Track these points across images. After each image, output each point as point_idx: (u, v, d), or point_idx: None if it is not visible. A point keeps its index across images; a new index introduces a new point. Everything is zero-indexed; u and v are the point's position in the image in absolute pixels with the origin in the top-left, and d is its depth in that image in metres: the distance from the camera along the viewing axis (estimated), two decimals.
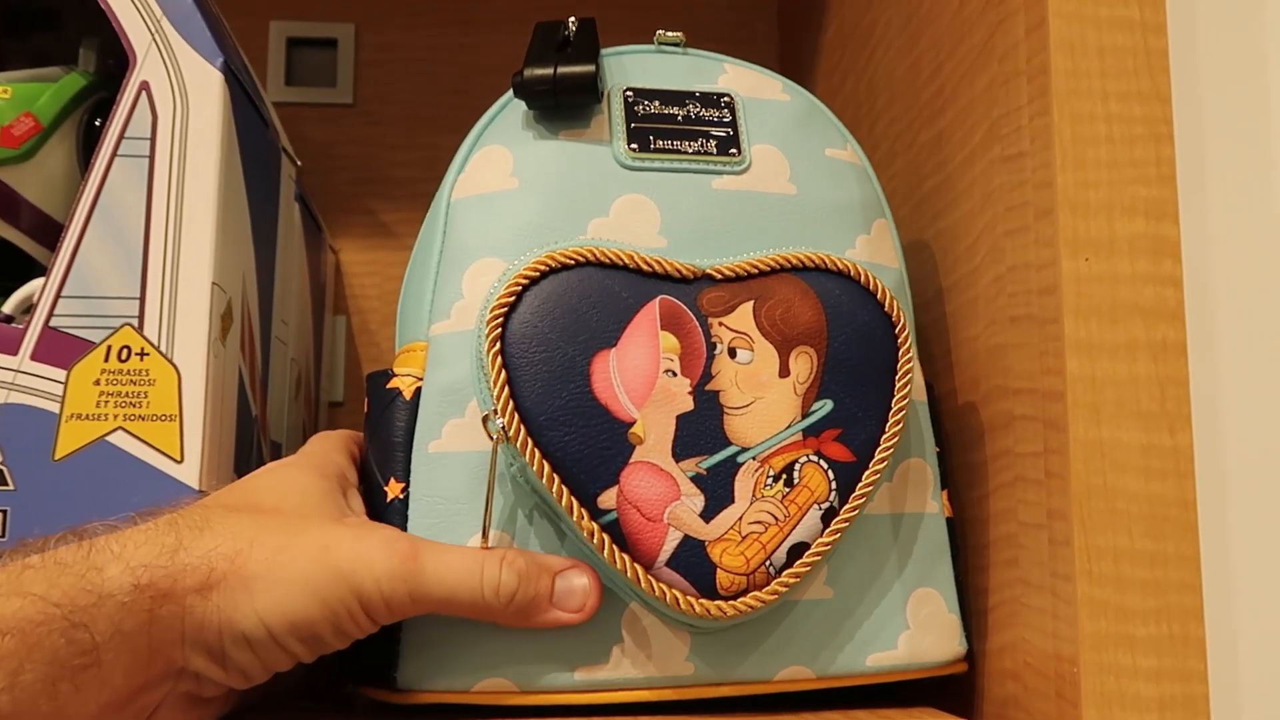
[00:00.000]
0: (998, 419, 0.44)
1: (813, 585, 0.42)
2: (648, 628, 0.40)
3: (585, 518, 0.38)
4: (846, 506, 0.40)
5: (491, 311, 0.39)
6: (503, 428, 0.38)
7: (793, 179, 0.45)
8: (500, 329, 0.39)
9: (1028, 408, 0.41)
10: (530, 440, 0.38)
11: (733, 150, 0.45)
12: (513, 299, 0.40)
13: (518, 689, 0.40)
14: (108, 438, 0.43)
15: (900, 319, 0.42)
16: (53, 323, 0.43)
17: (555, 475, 0.38)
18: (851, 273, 0.43)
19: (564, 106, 0.44)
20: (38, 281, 0.45)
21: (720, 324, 0.41)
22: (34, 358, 0.43)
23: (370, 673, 0.41)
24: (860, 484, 0.40)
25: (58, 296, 0.44)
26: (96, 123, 0.51)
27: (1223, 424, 0.51)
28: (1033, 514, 0.41)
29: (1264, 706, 0.54)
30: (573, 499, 0.38)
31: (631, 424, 0.39)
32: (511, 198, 0.43)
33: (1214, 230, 0.50)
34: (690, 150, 0.44)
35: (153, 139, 0.45)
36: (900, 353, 0.42)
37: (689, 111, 0.45)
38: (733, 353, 0.41)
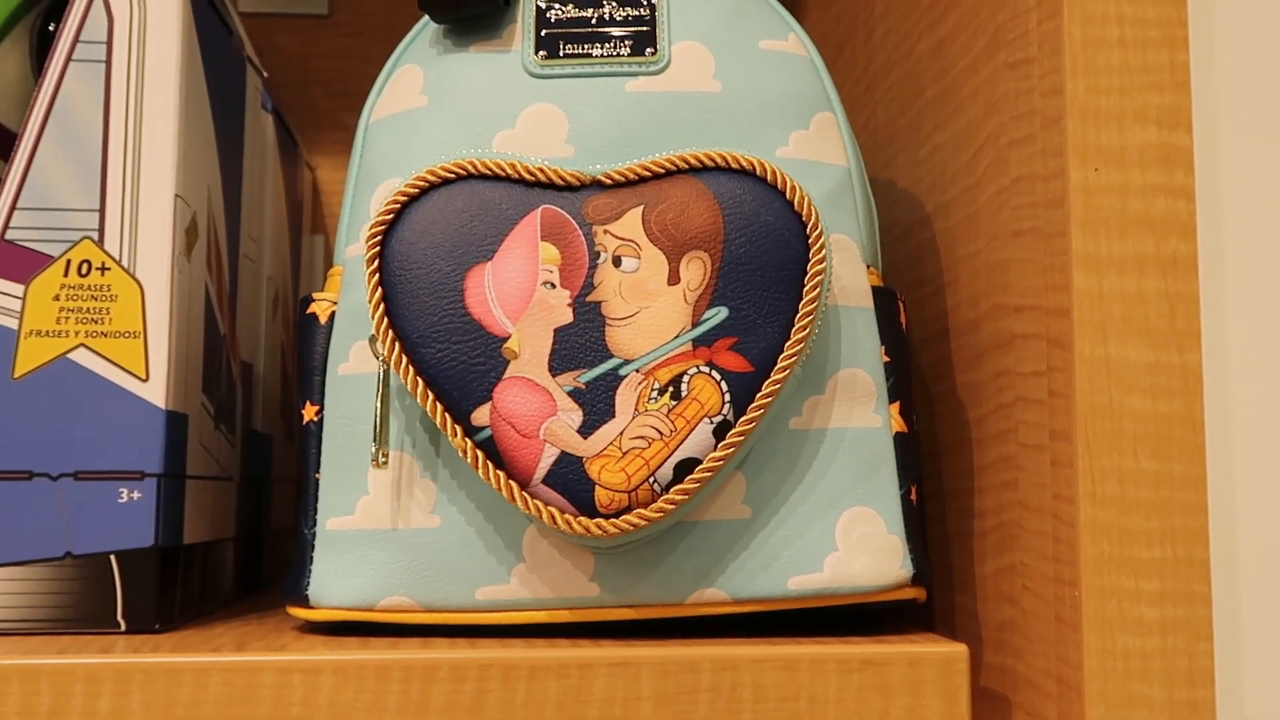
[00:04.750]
0: (998, 337, 0.42)
1: (729, 505, 0.40)
2: (549, 548, 0.39)
3: (459, 435, 0.38)
4: (743, 419, 0.38)
5: (370, 231, 0.39)
6: (373, 339, 0.39)
7: (718, 75, 0.42)
8: (379, 248, 0.39)
9: (1030, 325, 0.40)
10: (405, 358, 0.38)
11: (649, 49, 0.42)
12: (391, 217, 0.39)
13: (420, 607, 0.40)
14: (69, 355, 0.41)
15: (812, 218, 0.39)
16: (8, 235, 0.41)
17: (429, 393, 0.38)
18: (757, 170, 0.40)
19: (470, 19, 0.42)
20: None
21: (606, 232, 0.39)
22: None
23: (291, 589, 0.41)
24: (759, 395, 0.38)
25: (13, 208, 0.41)
26: (50, 27, 0.49)
27: (1228, 342, 0.50)
28: (1034, 435, 0.39)
29: (1265, 628, 0.54)
30: (446, 416, 0.38)
31: (506, 339, 0.38)
32: (421, 116, 0.42)
33: (1224, 141, 0.49)
34: (599, 53, 0.42)
35: (109, 44, 0.42)
36: (810, 254, 0.39)
37: (604, 13, 0.43)
38: (617, 261, 0.39)
